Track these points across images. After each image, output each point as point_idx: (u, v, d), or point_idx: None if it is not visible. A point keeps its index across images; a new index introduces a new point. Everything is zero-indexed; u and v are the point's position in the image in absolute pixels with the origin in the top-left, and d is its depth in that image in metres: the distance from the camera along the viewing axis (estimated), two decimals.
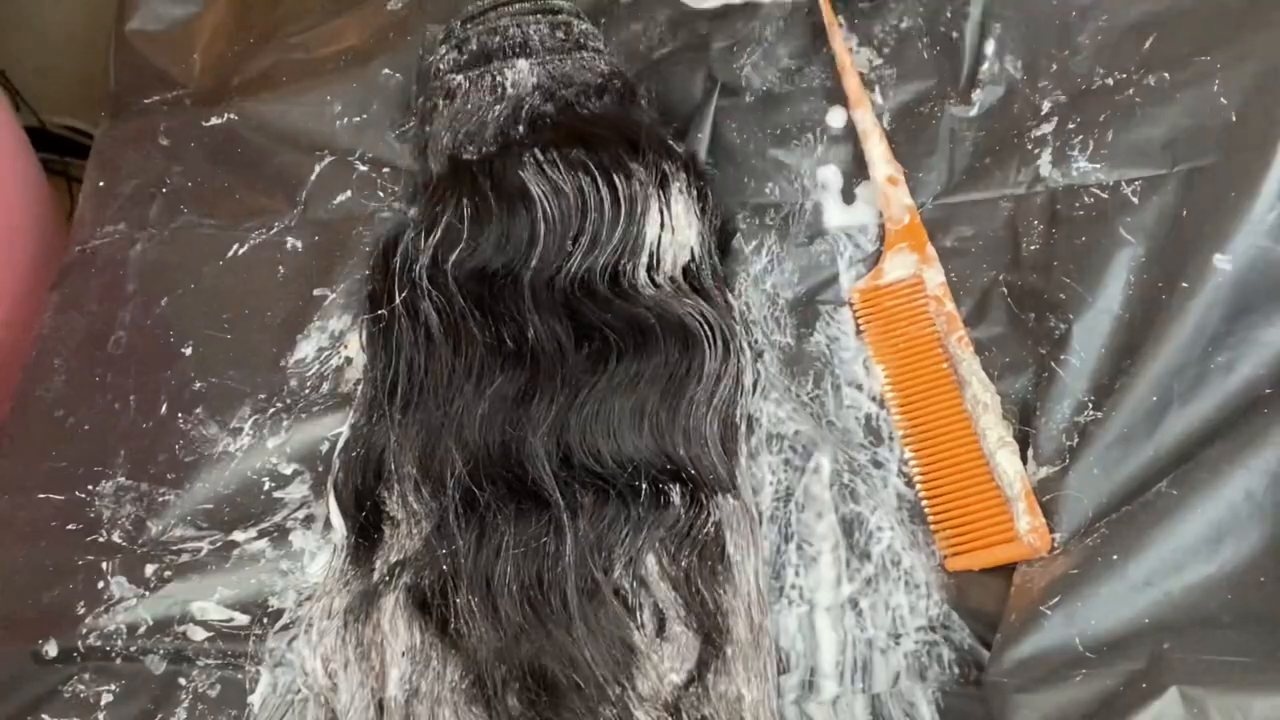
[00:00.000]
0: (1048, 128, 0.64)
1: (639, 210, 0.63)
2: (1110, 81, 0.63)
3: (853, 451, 0.58)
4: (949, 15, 0.69)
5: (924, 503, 0.57)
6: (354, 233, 0.71)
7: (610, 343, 0.60)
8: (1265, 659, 0.45)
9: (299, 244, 0.71)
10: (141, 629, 0.59)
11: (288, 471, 0.63)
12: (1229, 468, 0.50)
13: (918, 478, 0.57)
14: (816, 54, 0.71)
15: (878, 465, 0.58)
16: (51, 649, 0.59)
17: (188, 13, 0.83)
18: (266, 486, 0.63)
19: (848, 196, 0.67)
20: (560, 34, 0.72)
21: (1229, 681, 0.45)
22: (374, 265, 0.68)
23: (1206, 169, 0.58)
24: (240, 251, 0.72)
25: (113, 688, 0.57)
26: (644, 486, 0.56)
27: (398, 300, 0.63)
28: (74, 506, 0.64)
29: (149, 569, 0.60)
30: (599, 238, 0.63)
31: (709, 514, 0.56)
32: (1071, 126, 0.63)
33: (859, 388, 0.61)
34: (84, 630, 0.59)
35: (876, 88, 0.69)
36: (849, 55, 0.69)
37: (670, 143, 0.67)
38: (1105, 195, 0.60)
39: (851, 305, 0.64)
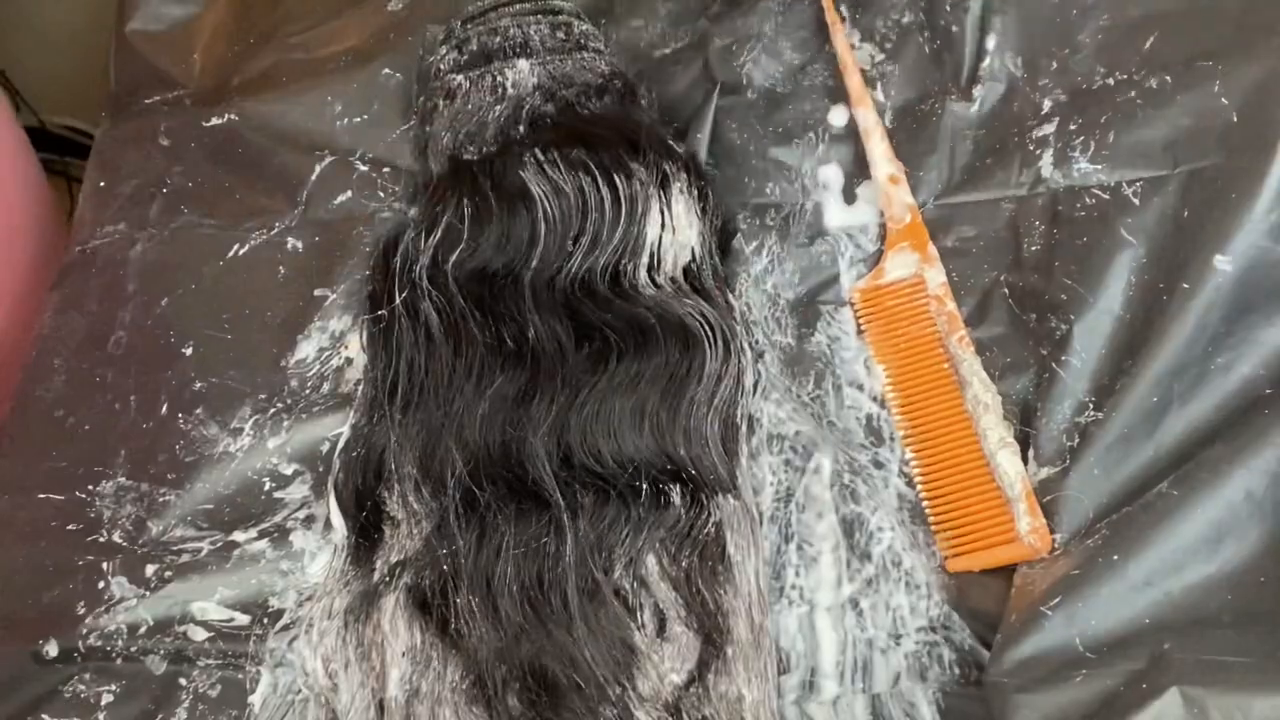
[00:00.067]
0: (1049, 128, 0.63)
1: (639, 210, 0.63)
2: (1111, 81, 0.63)
3: (853, 452, 0.58)
4: (949, 8, 0.68)
5: (925, 503, 0.57)
6: (354, 233, 0.71)
7: (611, 343, 0.60)
8: (1265, 659, 0.45)
9: (299, 244, 0.71)
10: (142, 629, 0.59)
11: (288, 472, 0.63)
12: (1229, 468, 0.50)
13: (918, 478, 0.57)
14: (818, 47, 0.71)
15: (879, 466, 0.58)
16: (52, 649, 0.59)
17: (188, 13, 0.83)
18: (267, 487, 0.63)
19: (849, 196, 0.67)
20: (561, 34, 0.72)
21: (1229, 681, 0.45)
22: (374, 265, 0.68)
23: (1207, 170, 0.58)
24: (240, 251, 0.72)
25: (113, 688, 0.57)
26: (644, 487, 0.56)
27: (398, 300, 0.63)
28: (74, 506, 0.64)
29: (149, 569, 0.60)
30: (599, 238, 0.63)
31: (709, 514, 0.56)
32: (1073, 128, 0.63)
33: (860, 388, 0.61)
34: (84, 630, 0.59)
35: (878, 85, 0.69)
36: (851, 53, 0.69)
37: (671, 143, 0.67)
38: (1106, 196, 0.60)
39: (852, 305, 0.64)
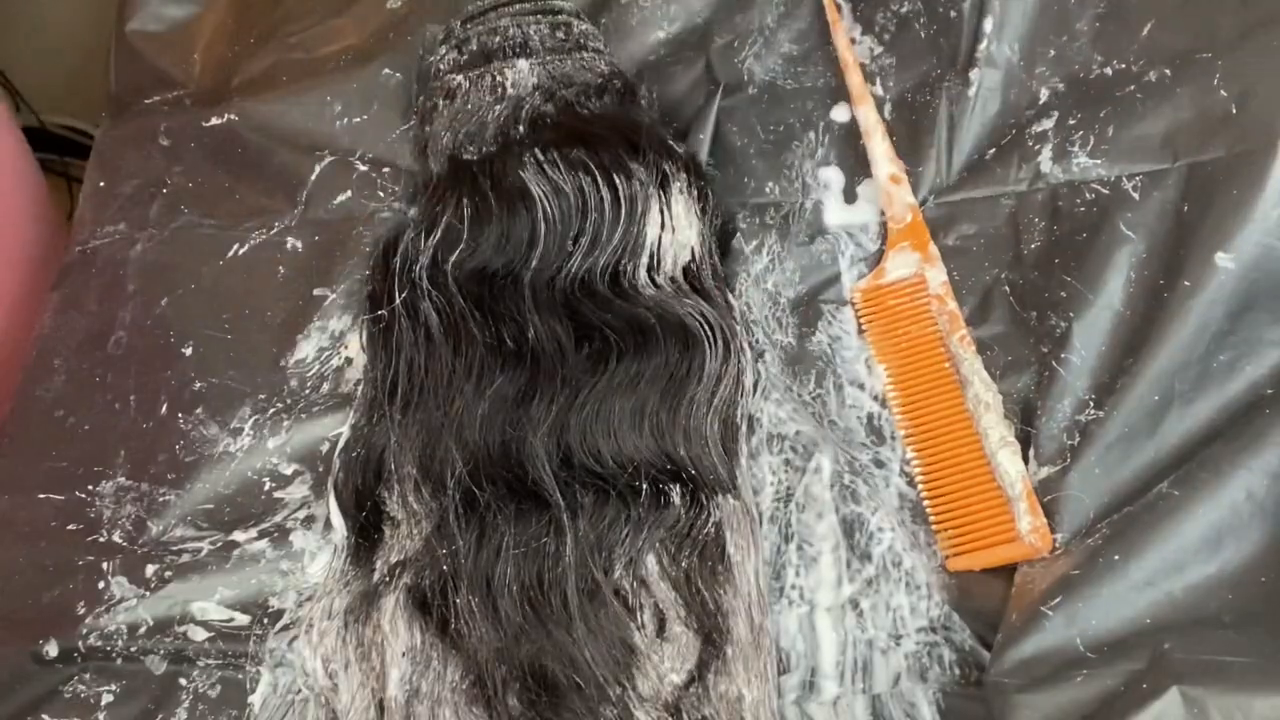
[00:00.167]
0: (1048, 123, 0.63)
1: (639, 210, 0.63)
2: (1109, 72, 0.63)
3: (854, 451, 0.58)
4: None
5: (925, 502, 0.56)
6: (354, 233, 0.71)
7: (610, 343, 0.60)
8: (1266, 659, 0.45)
9: (299, 244, 0.71)
10: (142, 629, 0.59)
11: (288, 472, 0.63)
12: (1230, 468, 0.50)
13: (919, 477, 0.57)
14: (819, 40, 0.71)
15: (879, 465, 0.58)
16: (52, 649, 0.59)
17: (188, 13, 0.83)
18: (267, 487, 0.63)
19: (849, 195, 0.67)
20: (560, 34, 0.72)
21: (1230, 681, 0.44)
22: (374, 265, 0.68)
23: (1208, 164, 0.58)
24: (240, 251, 0.72)
25: (113, 688, 0.57)
26: (644, 487, 0.56)
27: (398, 300, 0.63)
28: (74, 506, 0.64)
29: (149, 569, 0.60)
30: (599, 238, 0.63)
31: (709, 514, 0.56)
32: (1072, 122, 0.63)
33: (861, 387, 0.61)
34: (84, 630, 0.59)
35: (877, 79, 0.69)
36: (851, 52, 0.69)
37: (671, 143, 0.67)
38: (1106, 191, 0.60)
39: (853, 304, 0.63)
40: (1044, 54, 0.65)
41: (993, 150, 0.65)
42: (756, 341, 0.63)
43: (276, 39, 0.81)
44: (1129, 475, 0.53)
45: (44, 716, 0.57)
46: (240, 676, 0.57)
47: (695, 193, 0.65)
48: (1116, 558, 0.49)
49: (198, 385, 0.67)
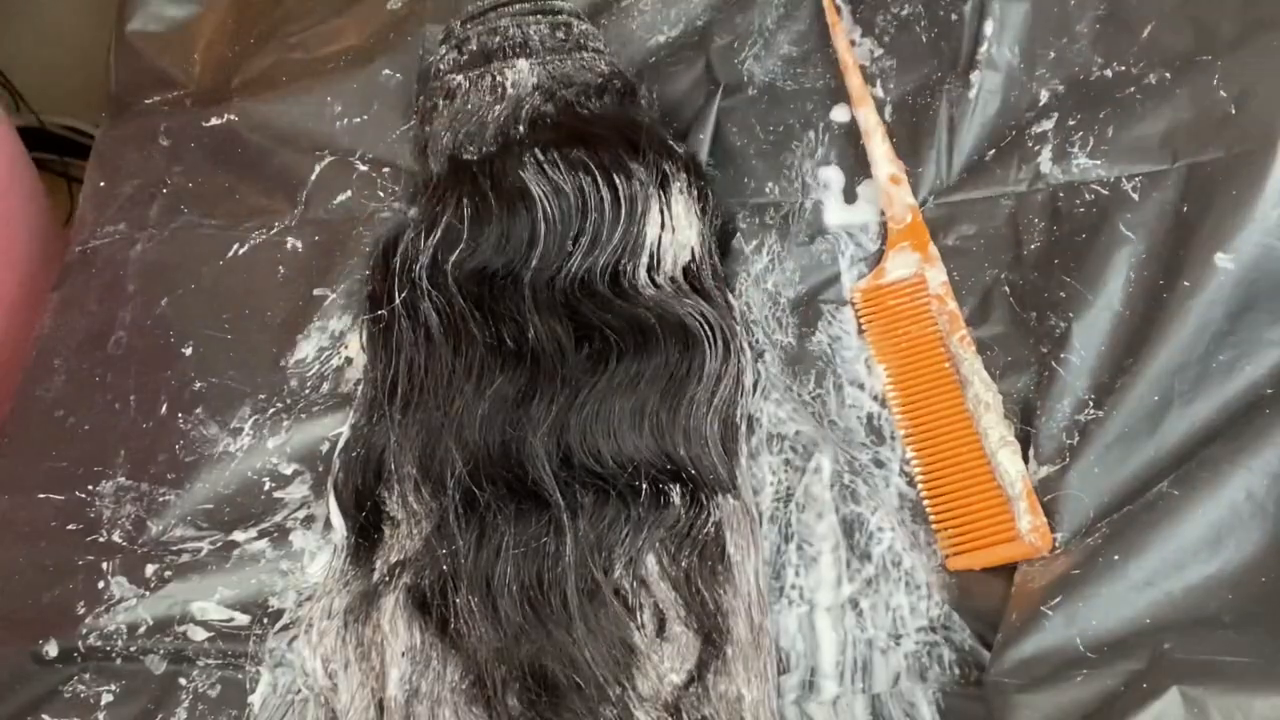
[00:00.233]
0: (1048, 124, 0.63)
1: (639, 210, 0.63)
2: (1109, 74, 0.63)
3: (854, 451, 0.58)
4: None
5: (925, 502, 0.56)
6: (354, 233, 0.71)
7: (610, 343, 0.60)
8: (1266, 659, 0.45)
9: (299, 244, 0.71)
10: (142, 629, 0.59)
11: (288, 471, 0.63)
12: (1230, 468, 0.50)
13: (919, 477, 0.57)
14: (818, 41, 0.71)
15: (879, 465, 0.58)
16: (51, 649, 0.59)
17: (188, 13, 0.83)
18: (266, 486, 0.63)
19: (849, 195, 0.67)
20: (560, 34, 0.72)
21: (1229, 681, 0.44)
22: (374, 265, 0.68)
23: (1207, 165, 0.58)
24: (240, 251, 0.72)
25: (113, 688, 0.57)
26: (644, 486, 0.56)
27: (398, 300, 0.63)
28: (74, 506, 0.64)
29: (149, 569, 0.60)
30: (599, 238, 0.63)
31: (709, 514, 0.56)
32: (1072, 123, 0.63)
33: (861, 387, 0.61)
34: (84, 630, 0.59)
35: (877, 81, 0.69)
36: (851, 54, 0.69)
37: (671, 143, 0.67)
38: (1106, 192, 0.60)
39: (853, 304, 0.63)
40: (1044, 56, 0.65)
41: (993, 151, 0.65)
42: (756, 341, 0.63)
43: (276, 39, 0.81)
44: (1129, 475, 0.53)
45: (44, 716, 0.57)
46: (240, 676, 0.57)
47: (695, 193, 0.65)
48: (1116, 557, 0.49)
49: (198, 385, 0.67)
